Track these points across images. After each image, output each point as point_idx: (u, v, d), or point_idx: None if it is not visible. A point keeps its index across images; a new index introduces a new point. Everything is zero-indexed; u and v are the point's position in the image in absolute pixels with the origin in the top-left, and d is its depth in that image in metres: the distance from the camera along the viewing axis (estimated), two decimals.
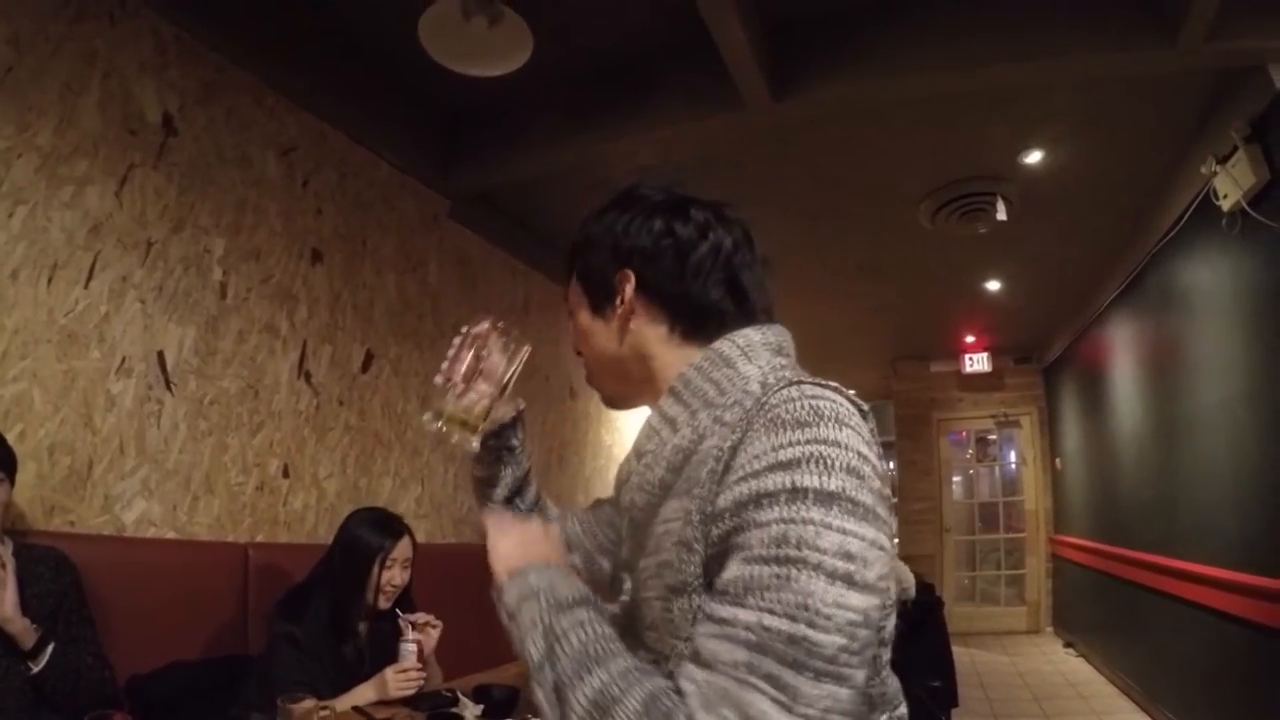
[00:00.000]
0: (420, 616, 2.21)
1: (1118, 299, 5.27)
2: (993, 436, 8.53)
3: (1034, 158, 3.73)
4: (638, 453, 0.94)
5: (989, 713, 4.99)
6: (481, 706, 1.96)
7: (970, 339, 7.69)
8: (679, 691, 0.68)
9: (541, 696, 0.75)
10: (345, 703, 1.99)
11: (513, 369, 1.13)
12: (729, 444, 0.77)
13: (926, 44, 2.95)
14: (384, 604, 2.24)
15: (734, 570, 0.70)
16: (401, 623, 2.17)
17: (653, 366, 0.94)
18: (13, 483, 1.76)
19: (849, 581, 0.67)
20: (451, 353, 1.12)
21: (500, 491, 1.22)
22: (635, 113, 3.35)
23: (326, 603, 2.17)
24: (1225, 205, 3.19)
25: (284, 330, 2.96)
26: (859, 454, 0.72)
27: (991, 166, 3.90)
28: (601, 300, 0.96)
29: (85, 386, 2.20)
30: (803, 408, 0.74)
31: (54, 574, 1.79)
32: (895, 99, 3.23)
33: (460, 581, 2.22)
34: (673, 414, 0.90)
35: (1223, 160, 3.15)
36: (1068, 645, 6.87)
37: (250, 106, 2.84)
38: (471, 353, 1.10)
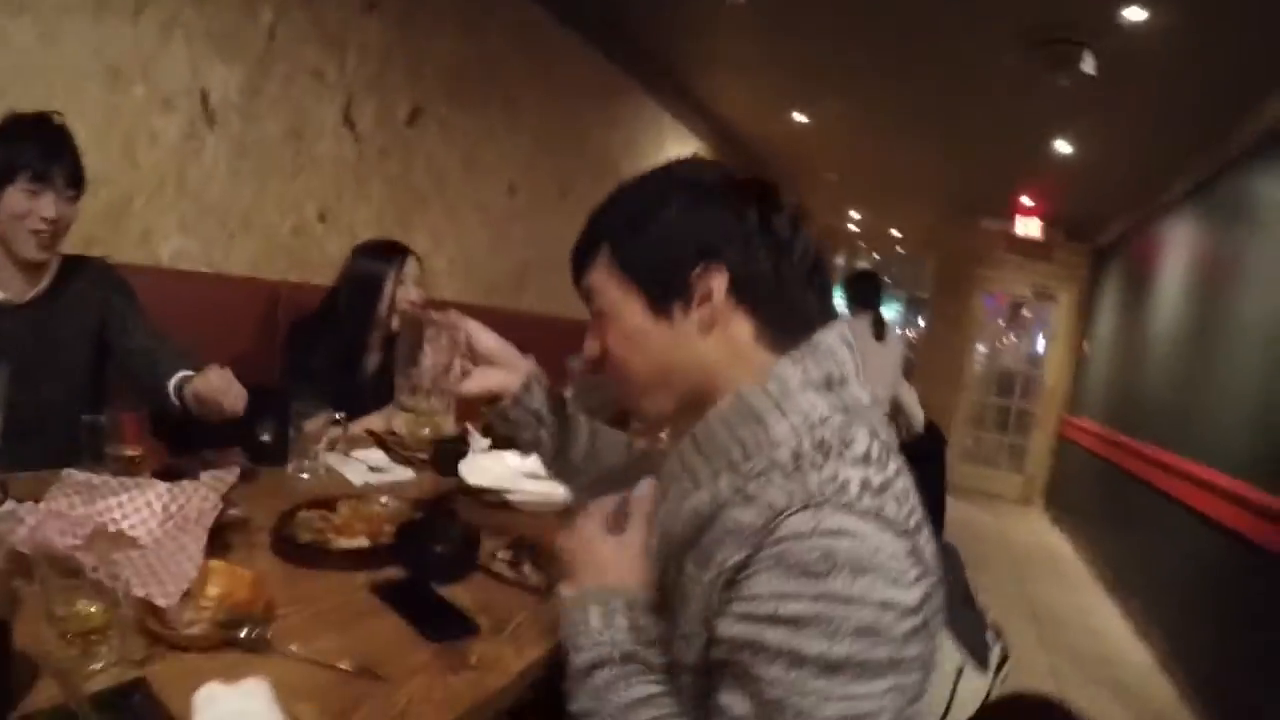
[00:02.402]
0: None
1: (1187, 196, 5.05)
2: (1027, 314, 8.40)
3: (1135, 14, 3.37)
4: (663, 483, 0.90)
5: (965, 561, 5.32)
6: (489, 441, 1.98)
7: (1027, 201, 7.33)
8: None
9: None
10: (356, 428, 2.09)
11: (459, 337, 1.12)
12: (733, 561, 0.74)
13: None
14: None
15: (744, 709, 0.71)
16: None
17: (716, 380, 0.84)
18: None
19: None
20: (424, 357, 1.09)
21: (547, 456, 1.22)
22: None
23: (339, 335, 2.28)
24: None
25: (331, 77, 2.98)
26: (878, 604, 0.68)
27: (1088, 15, 3.52)
28: (667, 299, 0.84)
29: (128, 122, 2.31)
30: (815, 550, 0.68)
31: (96, 283, 1.80)
32: None
33: None
34: (693, 464, 0.84)
35: None
36: (1054, 522, 7.17)
37: None
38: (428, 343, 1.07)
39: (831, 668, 0.66)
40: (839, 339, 0.84)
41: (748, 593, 0.71)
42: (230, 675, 0.81)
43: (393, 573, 1.20)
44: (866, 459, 0.76)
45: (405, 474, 1.80)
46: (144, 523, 1.08)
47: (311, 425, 1.69)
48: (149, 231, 2.43)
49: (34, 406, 1.56)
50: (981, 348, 8.76)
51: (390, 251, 2.38)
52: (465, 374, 1.13)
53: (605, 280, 0.88)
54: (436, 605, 1.12)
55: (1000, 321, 8.81)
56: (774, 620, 0.68)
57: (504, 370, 1.15)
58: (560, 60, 4.36)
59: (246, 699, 0.78)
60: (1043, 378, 8.20)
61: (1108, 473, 5.69)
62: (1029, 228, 7.57)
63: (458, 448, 1.84)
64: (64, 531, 0.82)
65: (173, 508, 1.11)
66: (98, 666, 0.82)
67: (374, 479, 1.71)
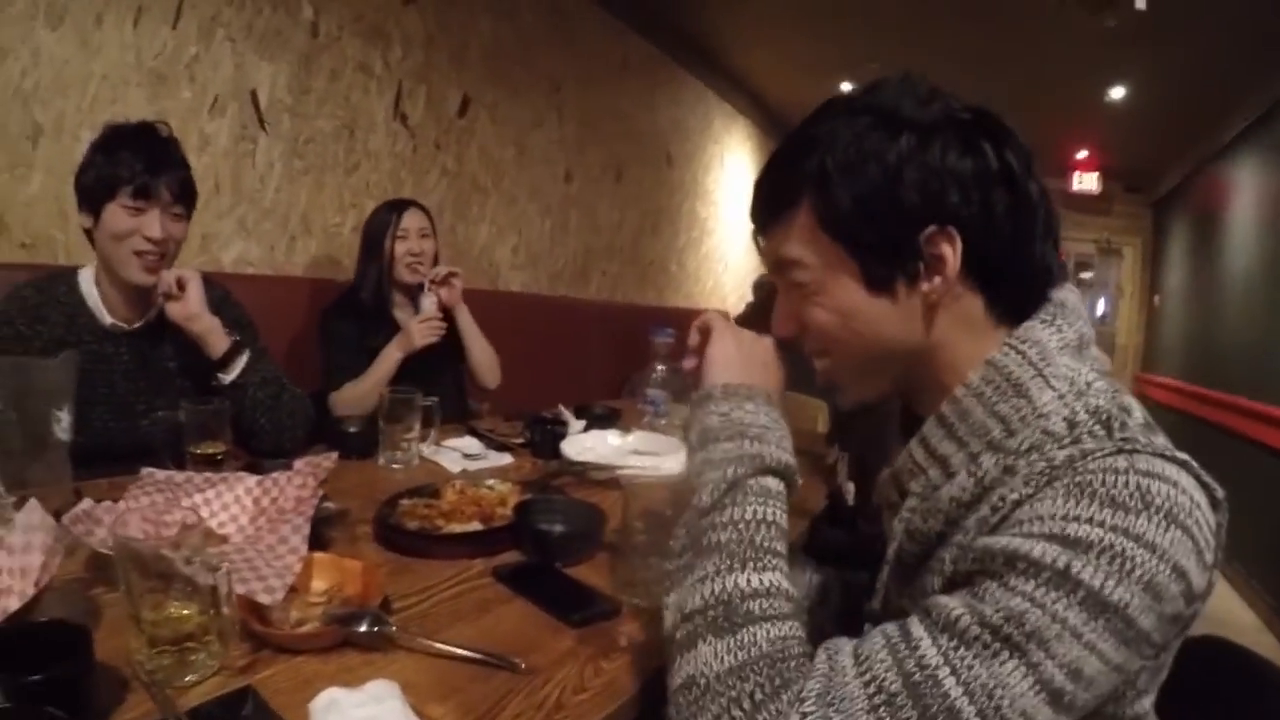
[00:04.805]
0: (440, 270, 2.27)
1: (1247, 133, 4.78)
2: (1086, 277, 8.09)
3: None
4: (898, 486, 0.77)
5: None
6: (584, 422, 1.91)
7: (1082, 154, 6.99)
8: (809, 657, 0.59)
9: (679, 541, 0.68)
10: (376, 367, 2.12)
11: None
12: (1014, 497, 0.62)
13: None
14: (408, 275, 2.28)
15: (957, 604, 0.57)
16: (425, 282, 2.26)
17: (944, 356, 0.72)
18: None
19: (1056, 702, 0.54)
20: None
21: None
22: None
23: (360, 299, 2.27)
24: None
25: (378, 70, 2.88)
26: (1175, 569, 0.55)
27: None
28: (889, 270, 0.69)
29: (178, 126, 2.17)
30: (1127, 487, 0.57)
31: (216, 307, 1.64)
32: None
33: (552, 334, 2.24)
34: (944, 452, 0.71)
35: None
36: None
37: None
38: None
39: (1099, 607, 0.53)
40: (1077, 297, 0.73)
41: (1029, 513, 0.59)
42: (350, 678, 0.69)
43: (511, 557, 1.06)
44: (1150, 428, 0.65)
45: (503, 458, 1.68)
46: (234, 519, 0.96)
47: (401, 413, 1.57)
48: (208, 237, 2.36)
49: (138, 436, 1.45)
50: None
51: (392, 206, 2.33)
52: None
53: (805, 246, 0.71)
54: (569, 587, 0.98)
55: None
56: (1053, 538, 0.56)
57: None
58: (595, 40, 4.22)
59: (374, 703, 0.65)
60: (1113, 336, 7.83)
61: (1191, 427, 5.33)
62: (1086, 182, 7.27)
63: (555, 429, 1.72)
64: (148, 525, 0.69)
65: (264, 501, 0.98)
66: (195, 677, 0.70)
67: (471, 465, 1.59)
